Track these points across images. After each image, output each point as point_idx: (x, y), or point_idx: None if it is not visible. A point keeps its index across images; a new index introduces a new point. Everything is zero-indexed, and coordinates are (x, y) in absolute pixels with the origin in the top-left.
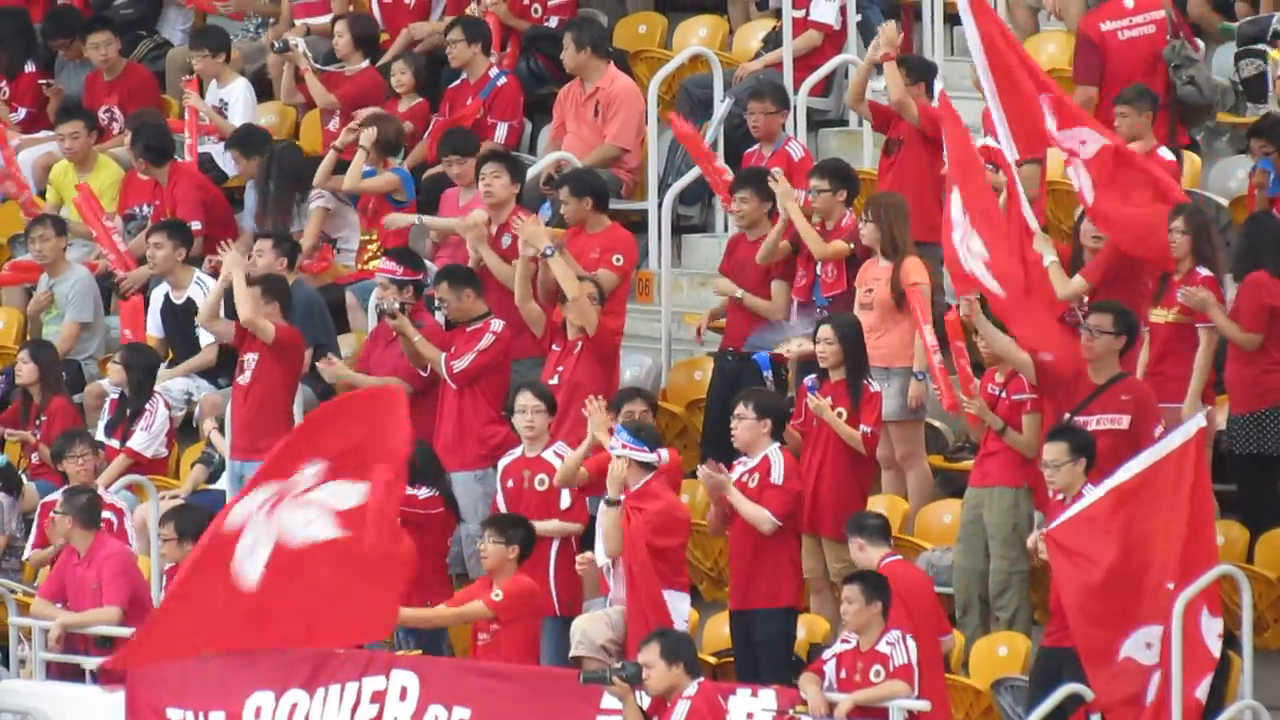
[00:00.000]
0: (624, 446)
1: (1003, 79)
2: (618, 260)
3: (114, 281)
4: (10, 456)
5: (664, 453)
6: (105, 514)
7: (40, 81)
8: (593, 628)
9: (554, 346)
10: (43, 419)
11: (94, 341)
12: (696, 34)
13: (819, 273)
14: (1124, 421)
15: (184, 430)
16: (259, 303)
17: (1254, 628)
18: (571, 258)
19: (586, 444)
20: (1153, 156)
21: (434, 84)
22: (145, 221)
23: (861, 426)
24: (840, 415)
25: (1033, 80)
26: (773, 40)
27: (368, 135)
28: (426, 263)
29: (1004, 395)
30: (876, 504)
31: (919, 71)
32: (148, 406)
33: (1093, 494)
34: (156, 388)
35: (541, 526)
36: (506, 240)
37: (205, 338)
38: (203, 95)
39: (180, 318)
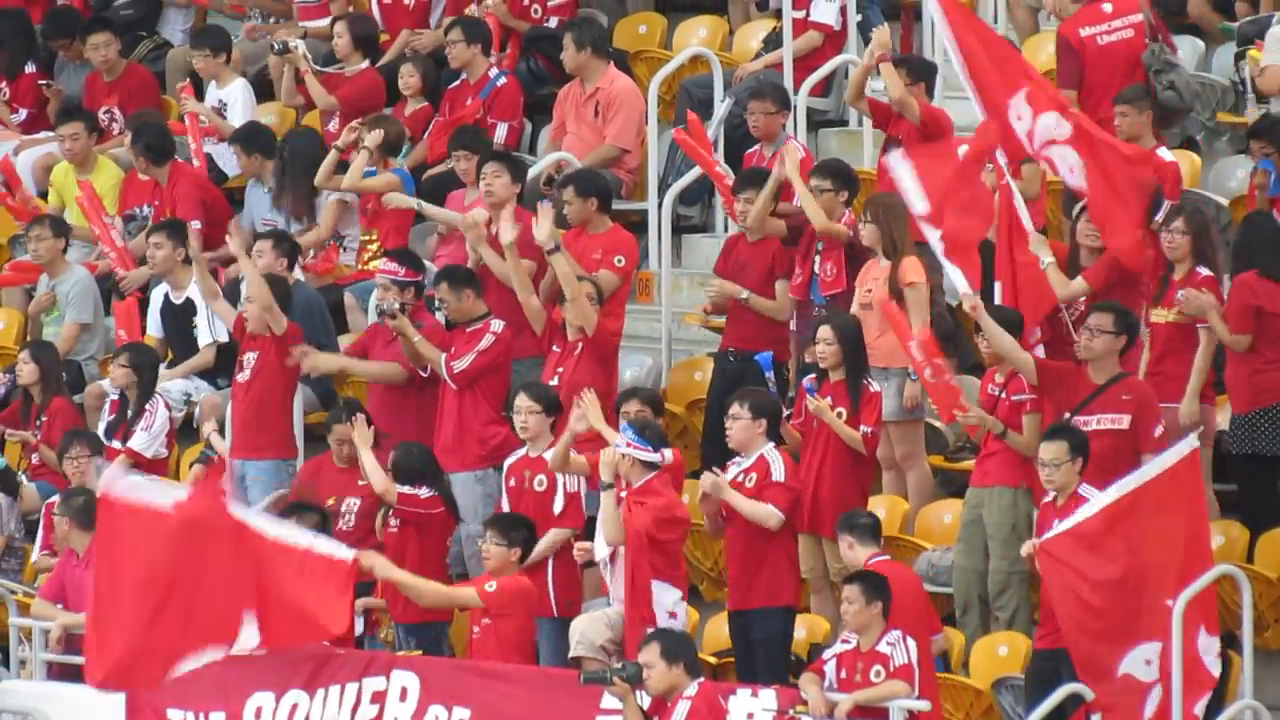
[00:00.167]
0: (629, 445)
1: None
2: (619, 262)
3: (114, 282)
4: (11, 457)
5: (668, 452)
6: None
7: (40, 82)
8: (591, 628)
9: (554, 347)
10: (43, 419)
11: (94, 342)
12: (696, 34)
13: (816, 271)
14: (1124, 421)
15: (184, 431)
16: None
17: (1254, 628)
18: (571, 258)
19: (569, 434)
20: (1152, 157)
21: (434, 85)
22: (145, 222)
23: (862, 427)
24: (840, 415)
25: (1010, 72)
26: (773, 41)
27: (373, 138)
28: (426, 263)
29: (1003, 396)
30: (877, 504)
31: (919, 71)
32: (148, 407)
33: (1085, 510)
34: (156, 388)
35: (538, 550)
36: None
37: (204, 338)
38: (201, 96)
39: (180, 318)
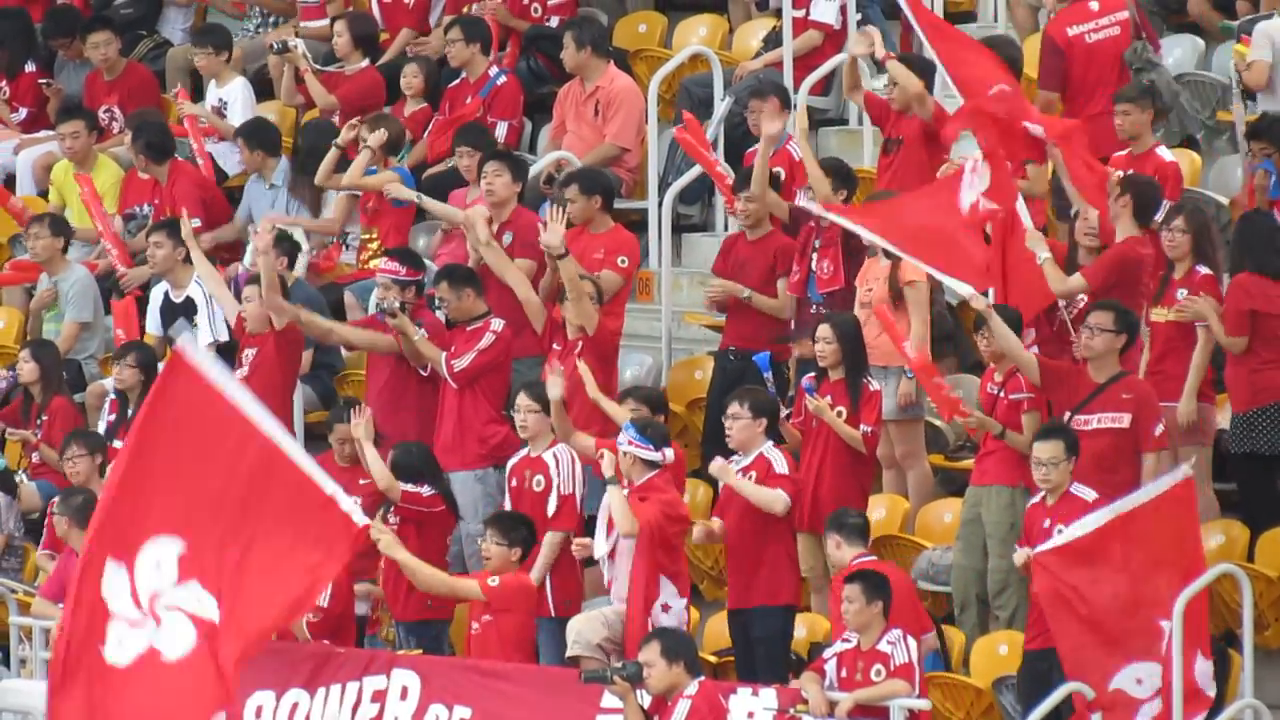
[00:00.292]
0: (630, 443)
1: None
2: (623, 262)
3: (114, 280)
4: (11, 456)
5: (669, 451)
6: None
7: (40, 81)
8: (588, 627)
9: (554, 346)
10: (43, 419)
11: (94, 341)
12: (696, 33)
13: (814, 269)
14: (1125, 420)
15: None
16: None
17: (1254, 626)
18: (577, 262)
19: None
20: (1151, 155)
21: (435, 85)
22: (145, 221)
23: (862, 426)
24: (840, 414)
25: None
26: (773, 40)
27: (376, 138)
28: (427, 262)
29: (1002, 395)
30: (877, 503)
31: (920, 70)
32: None
33: (1078, 528)
34: None
35: (539, 564)
36: (508, 238)
37: (204, 337)
38: (202, 95)
39: (180, 316)
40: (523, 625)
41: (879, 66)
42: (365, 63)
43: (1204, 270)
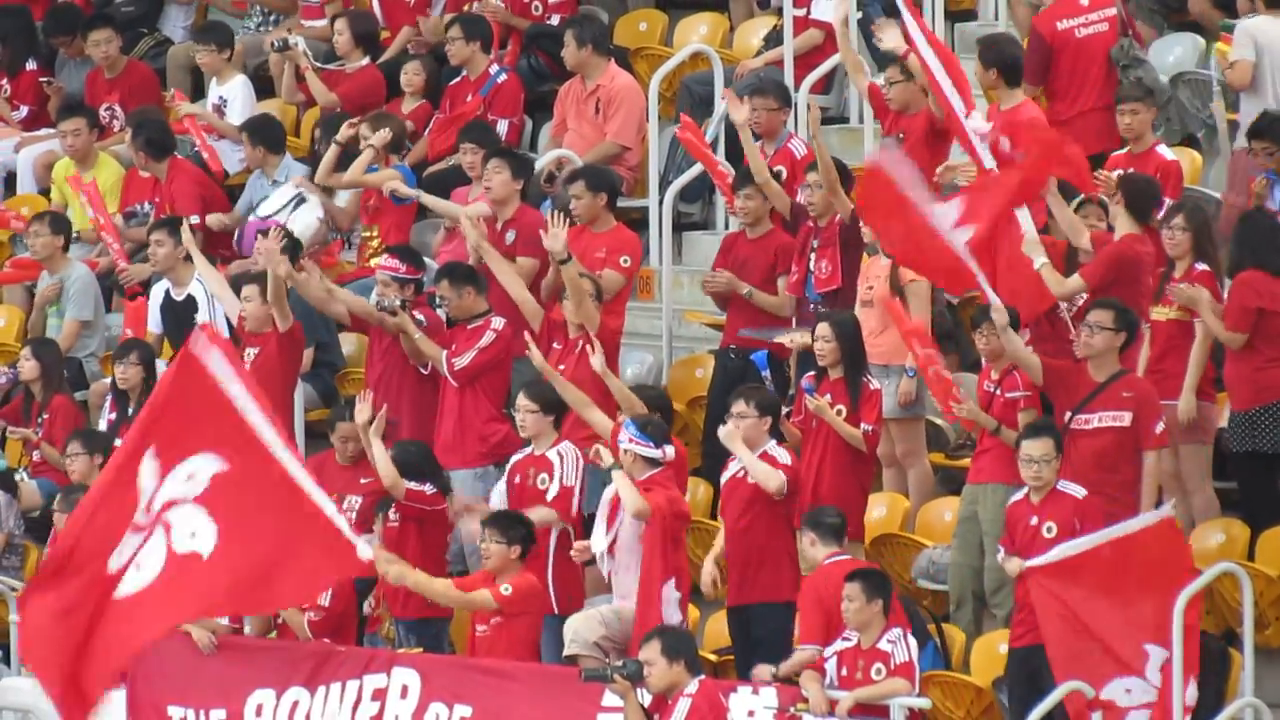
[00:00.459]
0: (630, 441)
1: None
2: (625, 262)
3: (115, 278)
4: (12, 454)
5: (669, 449)
6: None
7: (41, 79)
8: (585, 626)
9: (555, 345)
10: (44, 417)
11: (94, 339)
12: (697, 31)
13: (812, 268)
14: (1126, 418)
15: None
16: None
17: (1254, 625)
18: (581, 265)
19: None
20: (1152, 154)
21: (435, 83)
22: (146, 219)
23: (863, 425)
24: (840, 413)
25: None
26: (774, 38)
27: (380, 137)
28: (427, 260)
29: (998, 393)
30: (877, 502)
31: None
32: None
33: (1066, 548)
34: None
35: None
36: (511, 236)
37: None
38: (203, 93)
39: (180, 314)
40: (532, 626)
41: (880, 63)
42: (365, 61)
43: (1201, 267)
